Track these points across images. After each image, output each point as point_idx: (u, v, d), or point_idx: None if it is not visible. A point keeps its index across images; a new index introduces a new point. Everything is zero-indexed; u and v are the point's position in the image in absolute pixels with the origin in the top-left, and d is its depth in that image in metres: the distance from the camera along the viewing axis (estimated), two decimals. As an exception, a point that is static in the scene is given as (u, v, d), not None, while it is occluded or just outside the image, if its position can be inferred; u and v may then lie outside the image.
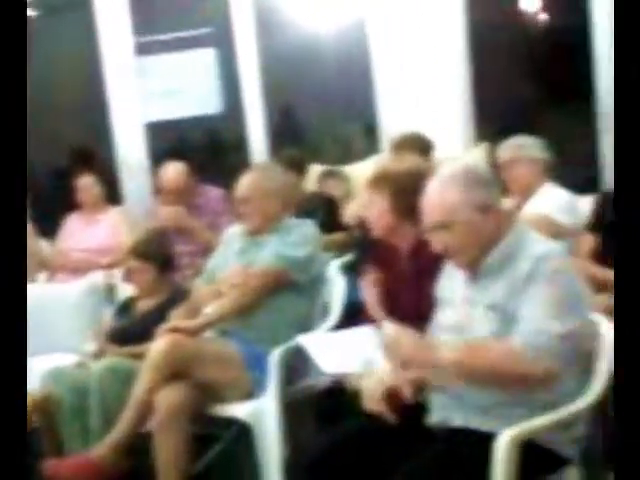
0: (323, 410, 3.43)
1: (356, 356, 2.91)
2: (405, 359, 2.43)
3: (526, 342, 2.26)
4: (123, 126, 5.81)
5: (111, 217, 5.26)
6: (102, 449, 3.26)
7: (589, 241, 3.64)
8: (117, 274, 4.69)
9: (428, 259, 2.72)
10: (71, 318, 4.47)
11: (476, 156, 4.89)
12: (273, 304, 3.49)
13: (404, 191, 3.00)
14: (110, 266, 4.88)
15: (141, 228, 4.85)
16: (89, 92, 5.99)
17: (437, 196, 2.45)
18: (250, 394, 3.36)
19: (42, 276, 5.12)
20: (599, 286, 3.24)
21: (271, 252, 3.53)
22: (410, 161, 3.36)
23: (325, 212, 4.62)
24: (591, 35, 4.96)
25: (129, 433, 3.26)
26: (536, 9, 5.95)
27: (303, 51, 5.94)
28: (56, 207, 5.55)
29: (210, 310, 3.53)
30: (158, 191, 5.07)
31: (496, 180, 2.59)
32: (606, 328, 2.51)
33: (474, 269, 2.46)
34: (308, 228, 3.68)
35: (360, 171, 5.02)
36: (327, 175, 5.22)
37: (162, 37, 5.89)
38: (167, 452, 3.18)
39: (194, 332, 3.41)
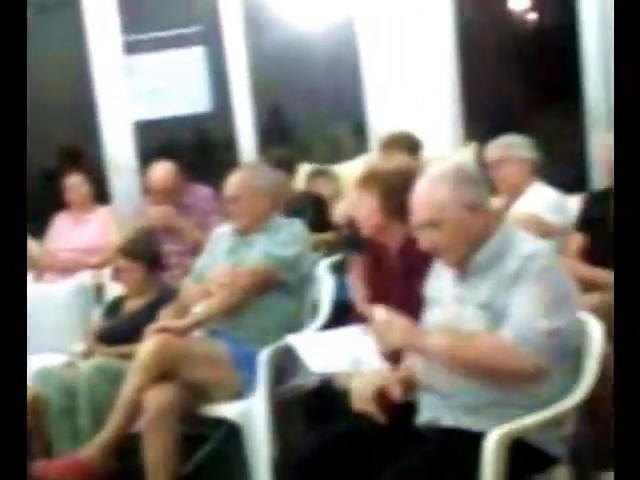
0: (312, 410, 3.42)
1: (345, 356, 2.91)
2: (395, 344, 2.45)
3: (515, 338, 2.27)
4: (112, 125, 5.79)
5: (100, 217, 5.24)
6: (91, 450, 3.26)
7: (577, 240, 3.64)
8: (105, 274, 4.68)
9: (417, 258, 2.72)
10: (59, 318, 4.46)
11: (465, 155, 4.90)
12: (262, 304, 3.49)
13: (393, 190, 3.00)
14: (98, 266, 4.87)
15: (130, 227, 4.84)
16: (77, 91, 5.97)
17: (427, 194, 2.46)
18: (239, 394, 3.36)
19: (30, 276, 5.10)
20: (587, 285, 3.25)
21: (260, 251, 3.52)
22: (399, 160, 3.36)
23: (314, 211, 4.62)
24: (579, 35, 4.97)
25: (118, 433, 3.26)
26: (525, 9, 5.96)
27: (292, 50, 5.93)
28: (44, 206, 5.52)
29: (199, 310, 3.52)
30: (147, 190, 5.06)
31: (485, 179, 2.60)
32: (594, 327, 2.52)
33: (463, 268, 2.47)
34: (297, 227, 3.67)
35: (349, 170, 5.02)
36: (316, 174, 5.22)
37: (150, 36, 5.87)
38: (156, 452, 3.17)
39: (183, 332, 3.40)
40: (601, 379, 2.46)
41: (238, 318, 3.47)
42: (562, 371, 2.40)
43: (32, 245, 5.29)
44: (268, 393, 3.32)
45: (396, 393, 2.49)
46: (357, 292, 3.37)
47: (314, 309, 3.67)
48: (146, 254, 3.97)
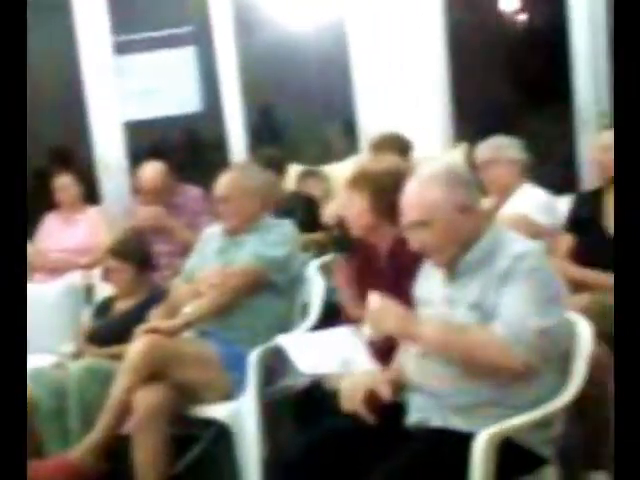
0: (302, 410, 3.42)
1: (335, 356, 2.91)
2: (389, 331, 2.46)
3: (506, 336, 2.28)
4: (101, 125, 5.77)
5: (89, 217, 5.23)
6: (81, 451, 3.25)
7: (567, 241, 3.65)
8: (95, 274, 4.67)
9: (407, 259, 2.73)
10: (49, 318, 4.45)
11: (455, 156, 4.91)
12: (252, 304, 3.48)
13: (383, 191, 3.00)
14: (88, 266, 4.86)
15: (120, 228, 4.83)
16: (68, 91, 5.95)
17: (417, 194, 2.46)
18: (229, 395, 3.35)
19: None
20: (577, 286, 3.26)
21: (250, 252, 3.52)
22: (389, 161, 3.36)
23: (304, 212, 4.62)
24: (569, 36, 4.98)
25: (108, 434, 3.25)
26: (515, 9, 5.98)
27: (282, 50, 5.93)
28: (34, 207, 5.49)
29: (189, 310, 3.52)
30: (137, 191, 5.05)
31: (475, 180, 2.61)
32: (583, 328, 2.53)
33: (452, 268, 2.48)
34: (287, 228, 3.67)
35: (339, 171, 5.03)
36: (306, 175, 5.22)
37: (140, 36, 5.86)
38: (146, 453, 3.17)
39: (173, 333, 3.40)
40: (590, 380, 2.47)
41: (228, 319, 3.46)
42: (551, 372, 2.41)
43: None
44: (258, 394, 3.32)
45: (385, 394, 2.49)
46: (344, 294, 3.37)
47: (304, 310, 3.66)
48: (136, 254, 3.97)
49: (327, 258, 3.99)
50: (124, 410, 3.23)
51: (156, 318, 3.61)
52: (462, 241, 2.44)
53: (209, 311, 3.46)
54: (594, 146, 3.84)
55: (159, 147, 6.22)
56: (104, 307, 4.05)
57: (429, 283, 2.58)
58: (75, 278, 4.77)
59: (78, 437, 3.35)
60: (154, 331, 3.36)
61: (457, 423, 2.39)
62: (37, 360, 3.94)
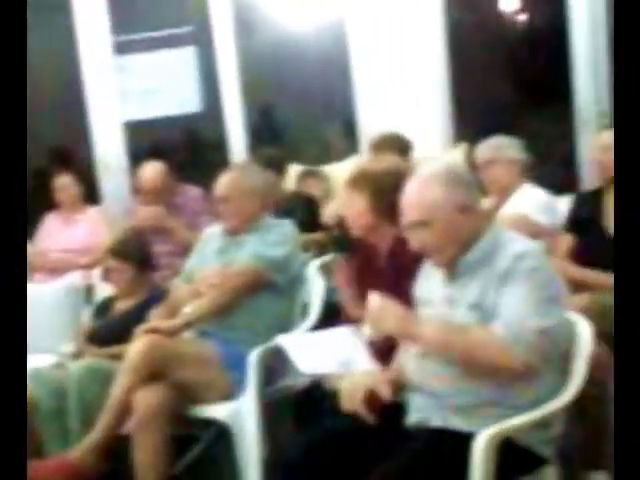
0: (302, 410, 3.42)
1: (335, 356, 2.91)
2: (389, 331, 2.46)
3: (506, 335, 2.28)
4: (102, 125, 5.78)
5: (89, 217, 5.23)
6: (81, 451, 3.24)
7: (567, 241, 3.65)
8: (95, 274, 4.67)
9: (407, 259, 2.73)
10: (49, 318, 4.45)
11: (455, 156, 4.91)
12: (252, 304, 3.48)
13: (383, 191, 3.00)
14: (88, 266, 4.86)
15: (120, 228, 4.83)
16: (67, 91, 5.95)
17: (418, 194, 2.46)
18: (229, 395, 3.35)
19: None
20: (576, 286, 3.26)
21: (250, 252, 3.52)
22: (389, 161, 3.36)
23: (304, 212, 4.62)
24: (569, 36, 4.98)
25: (108, 434, 3.25)
26: (515, 10, 5.98)
27: (282, 51, 5.93)
28: (34, 207, 5.50)
29: (189, 310, 3.52)
30: (137, 190, 5.05)
31: (475, 180, 2.61)
32: (583, 328, 2.53)
33: (452, 268, 2.48)
34: (287, 228, 3.67)
35: (339, 171, 5.03)
36: (306, 175, 5.22)
37: (141, 36, 5.86)
38: (146, 453, 3.16)
39: (173, 333, 3.40)
40: (590, 380, 2.47)
41: (228, 319, 3.46)
42: (551, 372, 2.41)
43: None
44: (258, 394, 3.32)
45: (385, 394, 2.49)
46: (344, 294, 3.37)
47: (304, 310, 3.66)
48: (136, 254, 3.96)
49: (327, 258, 3.99)
50: (124, 410, 3.23)
51: (156, 318, 3.61)
52: (462, 241, 2.44)
53: (209, 311, 3.46)
54: (594, 146, 3.84)
55: (159, 147, 6.21)
56: (104, 307, 4.05)
57: (429, 283, 2.58)
58: (75, 278, 4.77)
59: (78, 437, 3.35)
60: (154, 331, 3.36)
61: (457, 423, 2.39)
62: (37, 360, 3.94)
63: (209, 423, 3.42)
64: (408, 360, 2.56)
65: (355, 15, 5.32)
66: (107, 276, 4.14)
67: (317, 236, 4.53)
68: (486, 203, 3.75)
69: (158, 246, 4.50)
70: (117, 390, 3.25)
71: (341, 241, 3.66)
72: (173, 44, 5.81)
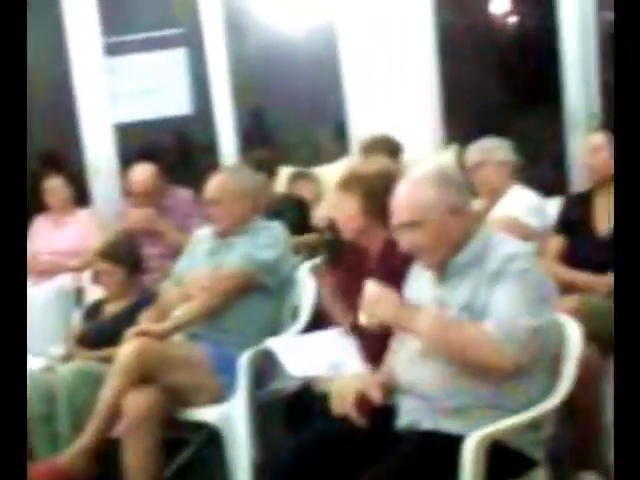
0: (292, 413, 3.42)
1: (325, 359, 2.91)
2: (384, 319, 2.45)
3: (498, 333, 2.28)
4: (92, 127, 5.76)
5: (80, 219, 5.22)
6: (70, 454, 3.23)
7: (557, 243, 3.66)
8: (86, 277, 4.66)
9: (397, 261, 2.72)
10: (39, 321, 4.43)
11: (445, 158, 4.91)
12: (242, 307, 3.48)
13: (374, 193, 3.00)
14: (79, 269, 4.84)
15: (110, 230, 4.82)
16: (57, 93, 5.93)
17: (410, 195, 2.46)
18: (219, 398, 3.35)
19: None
20: (566, 288, 3.26)
21: (240, 254, 3.52)
22: (380, 163, 3.36)
23: (295, 214, 4.61)
24: (560, 38, 4.99)
25: (97, 438, 3.24)
26: (505, 12, 5.99)
27: (273, 53, 5.93)
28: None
29: (179, 313, 3.51)
30: (127, 193, 5.04)
31: (466, 182, 2.61)
32: (572, 329, 2.53)
33: (442, 269, 2.48)
34: (277, 230, 3.67)
35: (330, 173, 5.02)
36: (297, 177, 5.21)
37: (131, 37, 5.84)
38: (136, 457, 3.15)
39: (163, 335, 3.39)
40: (579, 381, 2.47)
41: (218, 321, 3.46)
42: (541, 373, 2.41)
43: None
44: (248, 397, 3.32)
45: (376, 396, 2.49)
46: (328, 301, 3.37)
47: (294, 312, 3.66)
48: (126, 257, 3.96)
49: (318, 261, 3.99)
50: (114, 413, 3.22)
51: (146, 321, 3.61)
52: (453, 243, 2.45)
53: (199, 314, 3.46)
54: (583, 149, 3.85)
55: (150, 149, 6.20)
56: (94, 310, 4.04)
57: (419, 285, 2.58)
58: (65, 281, 4.76)
59: (68, 441, 3.34)
60: (144, 334, 3.35)
61: (447, 426, 2.39)
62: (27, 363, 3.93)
63: (199, 426, 3.42)
64: (398, 363, 2.56)
65: (346, 18, 5.32)
66: (97, 279, 4.13)
67: (308, 238, 4.52)
68: (476, 205, 3.75)
69: (148, 249, 4.50)
70: (107, 393, 3.24)
71: (332, 243, 3.66)
72: (164, 46, 5.80)
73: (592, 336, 2.71)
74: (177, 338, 3.51)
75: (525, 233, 3.60)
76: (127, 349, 3.26)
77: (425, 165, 2.64)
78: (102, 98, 5.74)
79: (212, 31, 5.58)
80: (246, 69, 5.73)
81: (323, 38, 5.50)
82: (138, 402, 3.18)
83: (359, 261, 3.17)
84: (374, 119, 5.14)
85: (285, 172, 5.25)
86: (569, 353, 2.49)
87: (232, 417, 3.29)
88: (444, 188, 2.44)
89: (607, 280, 3.33)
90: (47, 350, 4.06)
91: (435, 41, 5.25)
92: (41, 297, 4.59)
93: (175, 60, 5.80)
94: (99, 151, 5.76)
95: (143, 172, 4.85)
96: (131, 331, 3.40)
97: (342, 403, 2.52)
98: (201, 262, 3.63)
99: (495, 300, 2.33)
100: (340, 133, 5.60)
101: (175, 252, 4.20)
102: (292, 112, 6.09)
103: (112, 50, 5.77)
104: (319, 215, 4.66)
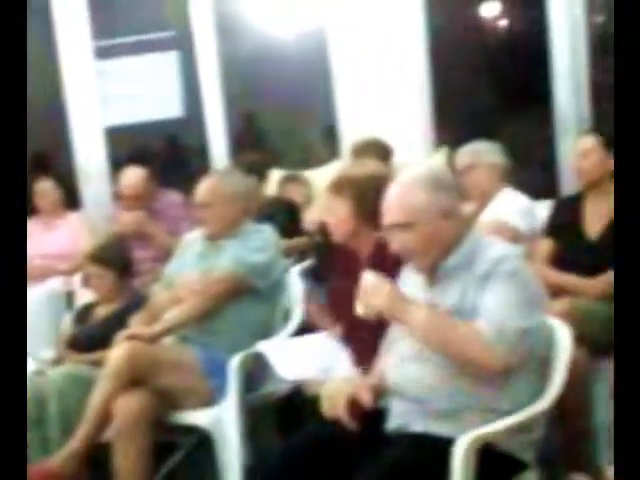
0: (283, 417, 3.42)
1: (316, 362, 2.91)
2: (380, 308, 2.44)
3: (489, 333, 2.29)
4: (82, 131, 5.75)
5: (70, 222, 5.21)
6: (61, 458, 3.22)
7: (546, 246, 3.67)
8: (76, 280, 4.65)
9: (388, 263, 2.73)
10: (30, 324, 4.36)
11: (436, 161, 4.92)
12: (233, 310, 3.48)
13: (365, 196, 3.00)
14: (69, 272, 4.83)
15: (101, 233, 4.81)
16: (48, 96, 5.92)
17: (402, 197, 2.46)
18: (210, 401, 3.34)
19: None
20: (556, 291, 3.27)
21: (231, 257, 3.51)
22: (370, 166, 3.37)
23: (285, 217, 4.61)
24: (550, 41, 5.00)
25: (88, 442, 3.23)
26: (495, 15, 6.01)
27: (264, 57, 5.93)
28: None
29: (169, 316, 3.51)
30: (118, 196, 5.03)
31: (457, 185, 2.61)
32: (562, 332, 2.54)
33: (432, 272, 2.48)
34: (268, 233, 3.67)
35: (321, 176, 5.02)
36: (288, 180, 5.21)
37: (122, 40, 5.83)
38: (126, 460, 3.15)
39: (153, 339, 3.39)
40: (569, 384, 2.48)
41: (209, 324, 3.46)
42: (531, 376, 2.42)
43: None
44: (239, 400, 3.31)
45: (366, 400, 2.49)
46: (316, 317, 3.38)
47: (285, 315, 3.66)
48: (117, 260, 3.95)
49: (308, 263, 3.99)
50: (104, 417, 3.21)
51: (136, 324, 3.60)
52: (444, 246, 2.45)
53: (190, 317, 3.45)
54: (573, 152, 3.86)
55: (140, 152, 6.20)
56: (84, 313, 4.03)
57: (409, 287, 2.58)
58: (56, 284, 4.74)
59: (58, 444, 3.33)
60: (134, 337, 3.34)
61: (438, 428, 2.39)
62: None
63: (190, 430, 3.41)
64: (389, 366, 2.56)
65: (336, 22, 5.32)
66: (87, 282, 4.13)
67: (298, 242, 4.53)
68: (467, 208, 3.75)
69: (138, 252, 4.49)
70: (97, 397, 3.24)
71: (322, 247, 3.66)
72: (155, 49, 5.79)
73: (582, 339, 2.72)
74: (168, 341, 3.51)
75: (514, 236, 3.61)
76: (117, 352, 3.25)
77: (418, 167, 2.64)
78: (93, 101, 5.73)
79: (203, 34, 5.58)
80: (237, 72, 5.73)
81: (314, 42, 5.50)
82: (128, 406, 3.17)
83: (349, 264, 3.17)
84: (365, 122, 5.15)
85: (276, 175, 5.25)
86: (559, 356, 2.49)
87: (223, 420, 3.29)
88: (436, 191, 2.44)
89: (597, 283, 3.35)
90: (37, 354, 4.04)
91: (425, 44, 5.26)
92: (31, 300, 4.54)
93: (166, 63, 5.79)
94: (89, 154, 5.75)
95: (133, 175, 4.85)
96: (121, 334, 3.39)
97: (333, 406, 2.52)
98: (191, 265, 3.63)
99: (484, 302, 2.34)
100: (330, 136, 5.60)
101: (165, 255, 4.19)
102: (283, 115, 6.09)
103: (102, 53, 5.76)
104: (310, 218, 4.66)
